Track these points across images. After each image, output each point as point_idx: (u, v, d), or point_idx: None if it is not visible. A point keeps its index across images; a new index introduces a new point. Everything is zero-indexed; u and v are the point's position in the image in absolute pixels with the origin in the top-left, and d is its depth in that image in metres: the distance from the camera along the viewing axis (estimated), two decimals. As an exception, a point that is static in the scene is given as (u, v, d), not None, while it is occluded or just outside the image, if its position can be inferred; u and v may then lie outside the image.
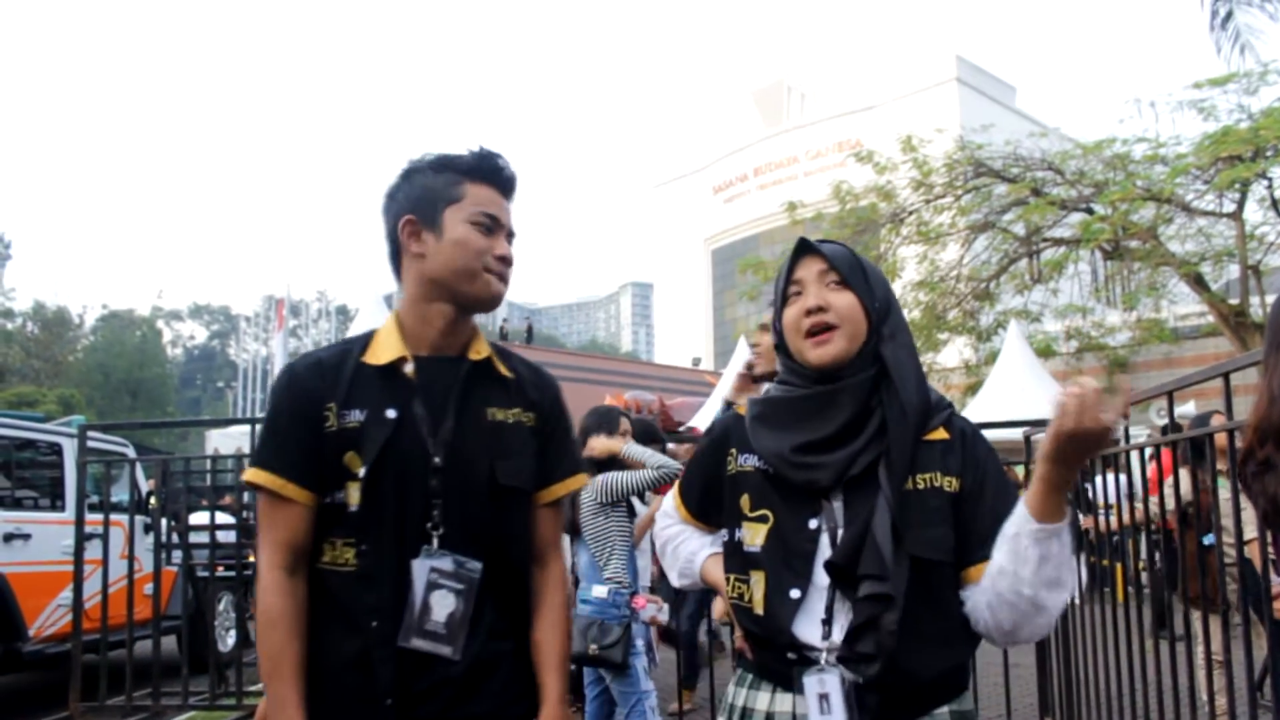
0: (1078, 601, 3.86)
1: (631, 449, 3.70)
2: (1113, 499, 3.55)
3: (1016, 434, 4.58)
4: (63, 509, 5.85)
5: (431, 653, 1.45)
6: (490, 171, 1.58)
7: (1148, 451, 3.49)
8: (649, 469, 3.61)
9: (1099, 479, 3.94)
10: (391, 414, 1.49)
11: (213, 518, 5.79)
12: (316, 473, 1.49)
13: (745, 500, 1.51)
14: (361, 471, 1.46)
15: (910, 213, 14.78)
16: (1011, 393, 11.46)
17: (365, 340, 1.59)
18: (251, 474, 1.50)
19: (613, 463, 3.71)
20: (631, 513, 3.78)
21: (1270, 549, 2.53)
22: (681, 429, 9.68)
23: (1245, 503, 1.85)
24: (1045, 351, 15.99)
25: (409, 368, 1.53)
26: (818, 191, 17.99)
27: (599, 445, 3.73)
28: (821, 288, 1.48)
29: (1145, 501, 3.64)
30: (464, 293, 1.55)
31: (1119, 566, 3.71)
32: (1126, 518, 3.79)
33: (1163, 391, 2.87)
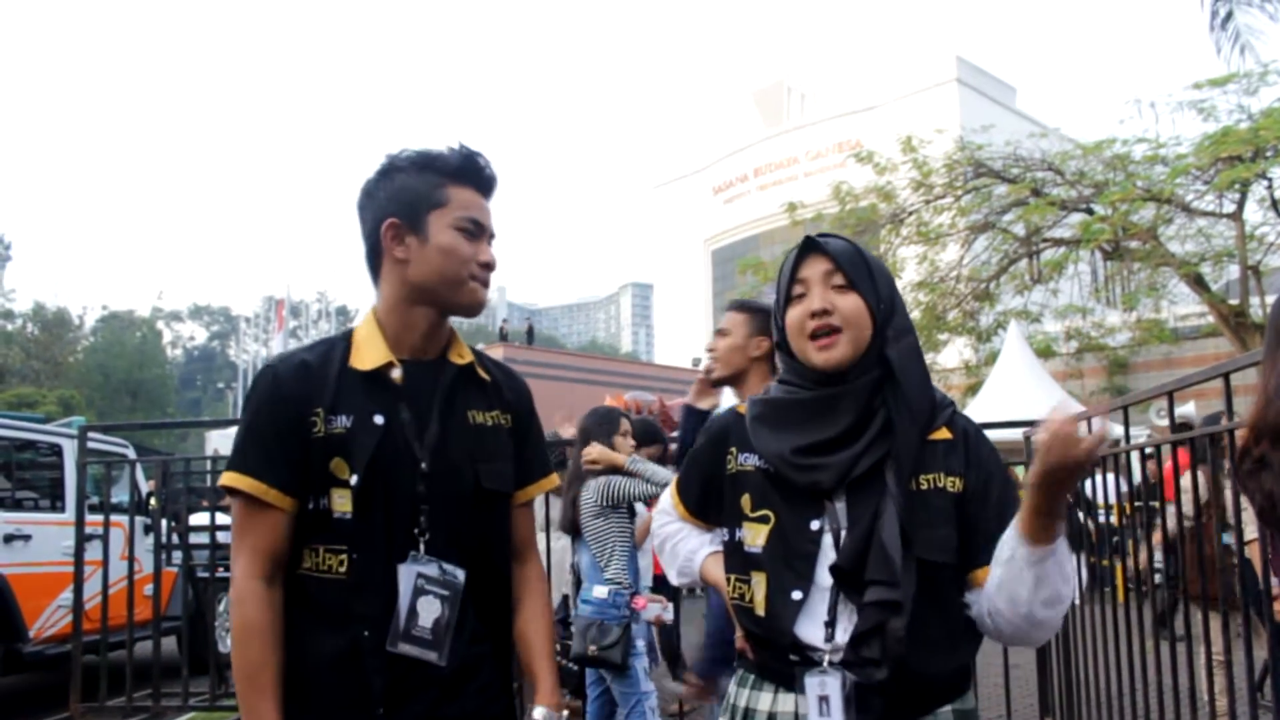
0: (1077, 602, 3.85)
1: (638, 466, 3.59)
2: (1113, 499, 3.55)
3: (1016, 434, 4.58)
4: (63, 510, 5.85)
5: (418, 658, 1.44)
6: (473, 173, 1.56)
7: (1151, 451, 3.49)
8: (653, 485, 3.53)
9: (1099, 478, 3.94)
10: (379, 420, 1.48)
11: (213, 518, 5.78)
12: (300, 478, 1.46)
13: (746, 500, 1.50)
14: (353, 479, 1.44)
15: (910, 213, 14.76)
16: (1011, 393, 11.46)
17: (346, 342, 1.56)
18: (230, 478, 1.46)
19: (613, 470, 3.68)
20: (632, 514, 3.78)
21: (1269, 549, 2.53)
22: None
23: (1246, 503, 1.85)
24: (1045, 352, 16.00)
25: (396, 373, 1.51)
26: (818, 192, 17.97)
27: (603, 458, 3.63)
28: (826, 290, 1.47)
29: (1161, 501, 3.64)
30: (449, 300, 1.54)
31: (1119, 566, 3.71)
32: (1128, 517, 3.79)
33: (1163, 392, 2.87)
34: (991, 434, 1.61)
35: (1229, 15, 8.53)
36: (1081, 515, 5.18)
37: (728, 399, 2.79)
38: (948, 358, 16.51)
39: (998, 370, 12.93)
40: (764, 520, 1.47)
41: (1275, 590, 2.65)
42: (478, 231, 1.54)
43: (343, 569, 1.45)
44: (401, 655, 1.44)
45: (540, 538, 3.89)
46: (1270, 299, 11.89)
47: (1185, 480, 3.84)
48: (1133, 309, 15.13)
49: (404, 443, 1.48)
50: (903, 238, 14.84)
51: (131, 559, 5.62)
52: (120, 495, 6.32)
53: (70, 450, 5.88)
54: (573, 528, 3.82)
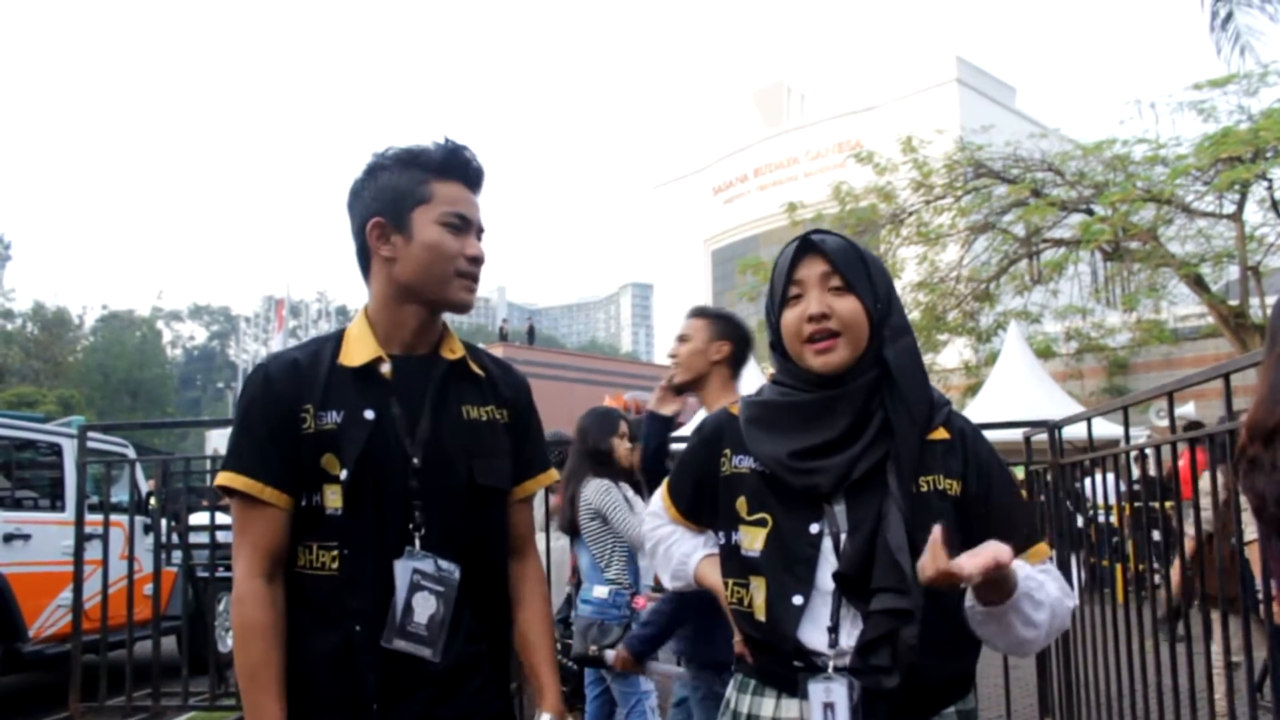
0: (1077, 603, 3.85)
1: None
2: (1113, 499, 3.55)
3: (1016, 434, 4.58)
4: (63, 509, 5.84)
5: (412, 654, 1.44)
6: (458, 167, 1.53)
7: (1156, 450, 3.48)
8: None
9: (1099, 478, 3.94)
10: (369, 415, 1.47)
11: (213, 518, 5.78)
12: (293, 475, 1.46)
13: (741, 503, 1.47)
14: (342, 475, 1.44)
15: (910, 214, 14.76)
16: (1011, 393, 11.47)
17: (337, 340, 1.55)
18: (226, 478, 1.45)
19: (608, 461, 3.69)
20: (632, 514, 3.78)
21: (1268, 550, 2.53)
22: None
23: (1246, 503, 1.85)
24: (1045, 352, 16.01)
25: (385, 368, 1.50)
26: (818, 192, 17.98)
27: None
28: (824, 292, 1.43)
29: (1178, 503, 3.63)
30: (436, 296, 1.53)
31: (1119, 566, 3.71)
32: (1137, 517, 3.78)
33: (1163, 392, 2.87)
34: (991, 434, 1.60)
35: (1229, 16, 8.54)
36: (1080, 518, 5.18)
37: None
38: (947, 358, 16.51)
39: (998, 371, 12.93)
40: (761, 524, 1.44)
41: (1275, 591, 2.66)
42: (464, 226, 1.52)
43: (334, 565, 1.45)
44: (395, 652, 1.43)
45: (540, 538, 3.90)
46: (1270, 300, 11.92)
47: (1204, 482, 3.83)
48: (1133, 310, 15.13)
49: (395, 438, 1.47)
50: (903, 238, 14.84)
51: (131, 558, 5.62)
52: (120, 495, 6.32)
53: (70, 450, 5.87)
54: (571, 528, 3.82)
